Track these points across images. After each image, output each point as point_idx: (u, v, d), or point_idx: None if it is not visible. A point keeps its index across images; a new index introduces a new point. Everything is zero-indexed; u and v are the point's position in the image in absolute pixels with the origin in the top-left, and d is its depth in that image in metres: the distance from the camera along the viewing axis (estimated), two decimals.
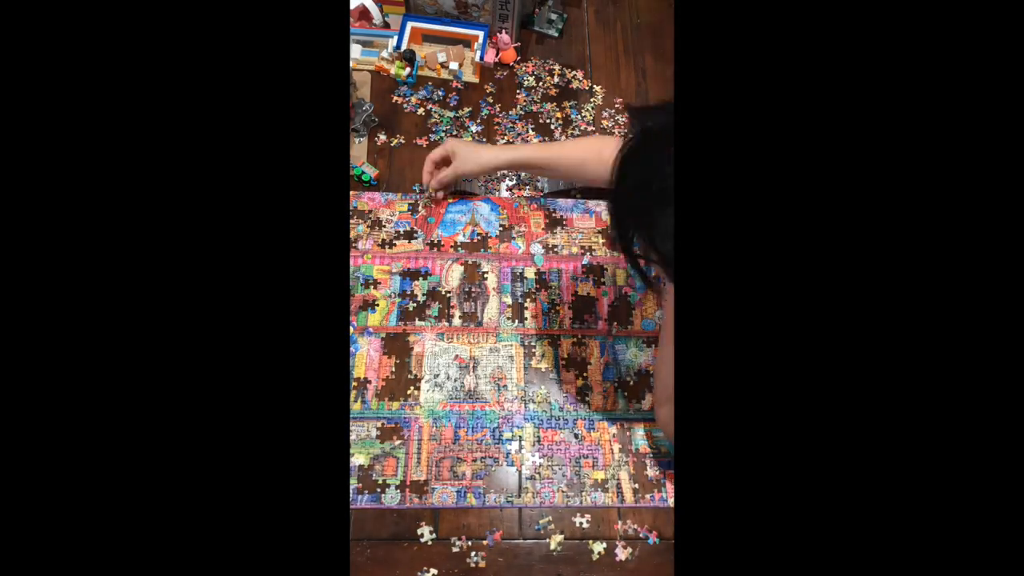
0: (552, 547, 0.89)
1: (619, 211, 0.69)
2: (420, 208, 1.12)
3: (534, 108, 1.24)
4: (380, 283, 1.06)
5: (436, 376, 1.00)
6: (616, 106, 1.27)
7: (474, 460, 0.94)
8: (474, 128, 1.21)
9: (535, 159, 1.08)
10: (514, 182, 1.17)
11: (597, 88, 1.28)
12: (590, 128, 1.24)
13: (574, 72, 1.30)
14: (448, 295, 1.06)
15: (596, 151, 1.03)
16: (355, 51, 1.26)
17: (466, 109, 1.23)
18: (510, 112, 1.24)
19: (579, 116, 1.24)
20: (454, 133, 1.20)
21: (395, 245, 1.09)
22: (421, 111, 1.22)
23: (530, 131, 1.22)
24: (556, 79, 1.29)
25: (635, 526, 0.91)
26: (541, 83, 1.28)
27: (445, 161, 1.08)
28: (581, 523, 0.91)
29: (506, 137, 1.21)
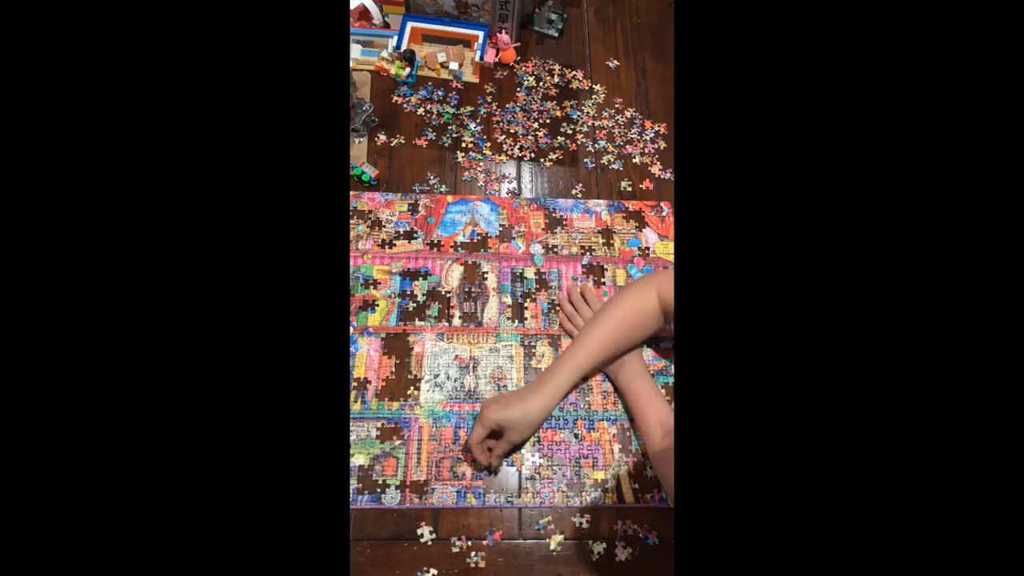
0: (552, 547, 0.89)
1: None
2: (420, 208, 1.12)
3: (534, 107, 1.24)
4: (380, 283, 1.06)
5: (436, 376, 1.00)
6: (616, 106, 1.27)
7: (474, 460, 0.94)
8: (473, 127, 1.21)
9: (577, 375, 0.95)
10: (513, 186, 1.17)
11: (597, 87, 1.28)
12: (592, 122, 1.24)
13: (574, 72, 1.30)
14: (448, 295, 1.06)
15: (636, 322, 0.95)
16: (355, 51, 1.26)
17: (466, 108, 1.23)
18: (508, 106, 1.24)
19: (579, 115, 1.25)
20: (456, 135, 1.20)
21: (395, 245, 1.09)
22: (421, 111, 1.22)
23: (536, 125, 1.22)
24: (556, 79, 1.29)
25: (635, 526, 0.91)
26: (541, 83, 1.28)
27: (493, 434, 0.91)
28: (581, 523, 0.91)
29: (508, 131, 1.21)
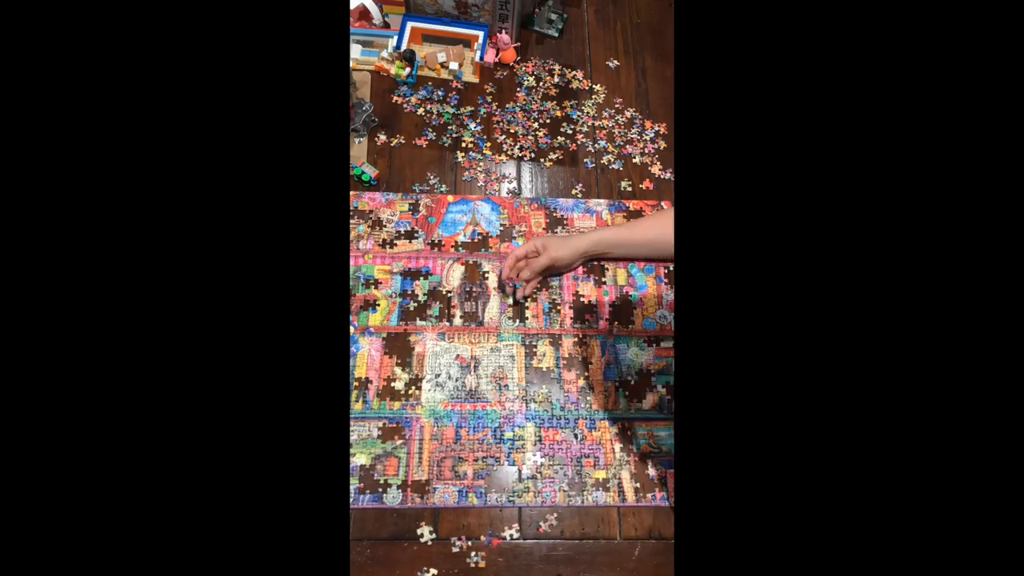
0: (552, 547, 0.89)
1: None
2: (421, 208, 1.12)
3: (534, 107, 1.24)
4: (381, 283, 1.06)
5: (437, 376, 1.00)
6: (616, 105, 1.27)
7: (475, 460, 0.94)
8: (473, 126, 1.21)
9: (616, 241, 1.07)
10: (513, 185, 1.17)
11: (597, 87, 1.28)
12: (592, 122, 1.24)
13: (574, 72, 1.30)
14: (449, 295, 1.06)
15: (667, 233, 1.06)
16: (355, 51, 1.26)
17: (466, 108, 1.24)
18: (508, 106, 1.24)
19: (579, 115, 1.25)
20: (456, 135, 1.20)
21: (396, 245, 1.09)
22: (421, 111, 1.22)
23: (536, 125, 1.22)
24: (556, 79, 1.29)
25: (636, 525, 0.91)
26: (541, 83, 1.28)
27: (533, 253, 1.03)
28: (582, 523, 0.91)
29: (508, 131, 1.21)
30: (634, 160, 1.21)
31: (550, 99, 1.26)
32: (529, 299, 1.06)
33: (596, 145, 1.22)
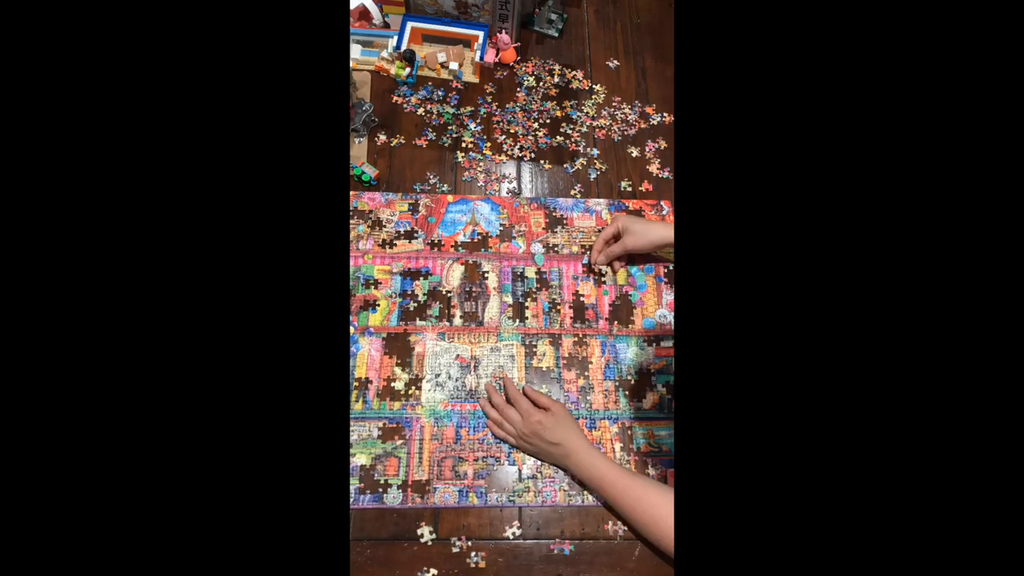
0: (552, 547, 0.89)
1: None
2: (421, 208, 1.12)
3: (534, 107, 1.24)
4: (381, 283, 1.06)
5: (437, 376, 1.00)
6: (615, 105, 1.27)
7: (476, 459, 0.94)
8: (473, 126, 1.21)
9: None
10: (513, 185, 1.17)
11: (597, 87, 1.28)
12: (592, 122, 1.24)
13: (574, 72, 1.30)
14: (449, 295, 1.06)
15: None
16: (355, 51, 1.26)
17: (467, 108, 1.24)
18: (508, 106, 1.24)
19: (579, 115, 1.25)
20: (456, 135, 1.20)
21: (395, 245, 1.09)
22: (421, 111, 1.22)
23: (536, 125, 1.22)
24: (556, 79, 1.29)
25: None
26: (541, 83, 1.28)
27: (615, 236, 1.06)
28: (582, 523, 0.91)
29: (508, 131, 1.21)
30: (631, 152, 1.21)
31: (550, 99, 1.26)
32: (612, 273, 1.10)
33: (588, 150, 1.22)
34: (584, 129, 1.23)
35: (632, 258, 1.10)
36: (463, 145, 1.20)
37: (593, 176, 1.19)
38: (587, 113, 1.25)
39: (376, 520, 0.90)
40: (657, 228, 1.05)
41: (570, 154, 1.21)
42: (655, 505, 0.85)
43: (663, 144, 1.23)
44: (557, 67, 1.30)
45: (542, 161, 1.19)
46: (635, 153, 1.22)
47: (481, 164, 1.18)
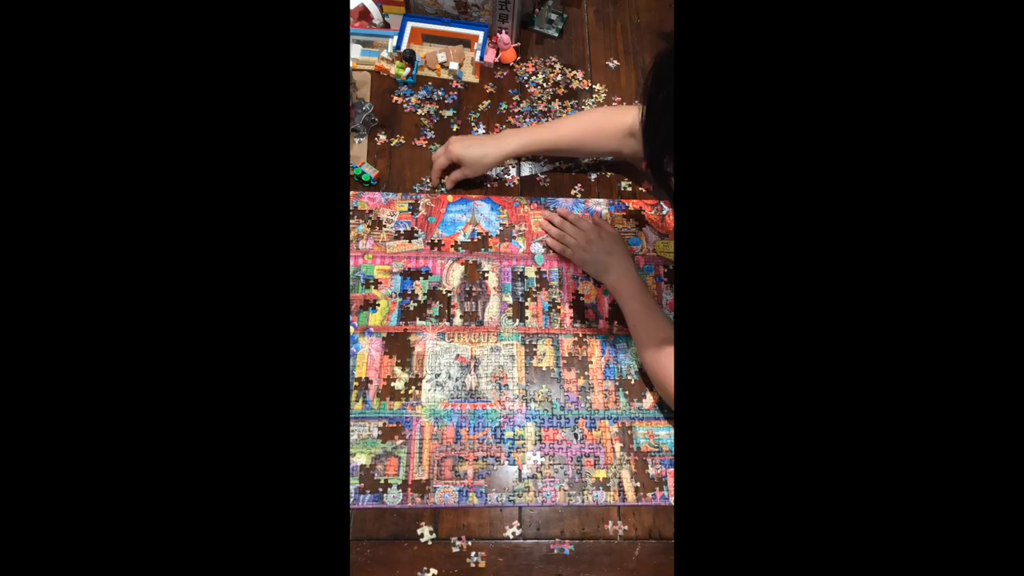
0: (552, 547, 0.89)
1: (650, 130, 0.69)
2: (421, 208, 1.12)
3: (541, 107, 1.24)
4: (381, 283, 1.06)
5: (437, 376, 1.00)
6: (615, 104, 1.27)
7: (476, 459, 0.94)
8: (480, 130, 1.21)
9: (537, 143, 1.11)
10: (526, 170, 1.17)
11: (597, 87, 1.28)
12: None
13: (574, 72, 1.30)
14: (449, 295, 1.06)
15: (596, 126, 1.10)
16: (355, 51, 1.26)
17: (473, 114, 1.23)
18: (521, 104, 1.24)
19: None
20: (454, 128, 1.20)
21: (396, 245, 1.09)
22: (421, 112, 1.22)
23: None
24: (558, 77, 1.29)
25: (636, 526, 0.91)
26: (547, 83, 1.28)
27: (452, 166, 1.11)
28: (581, 523, 0.91)
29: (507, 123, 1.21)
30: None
31: (558, 97, 1.26)
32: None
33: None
34: None
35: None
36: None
37: (593, 177, 1.19)
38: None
39: (376, 520, 0.90)
40: (491, 152, 1.09)
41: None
42: (659, 347, 0.94)
43: None
44: (558, 66, 1.30)
45: (542, 160, 1.19)
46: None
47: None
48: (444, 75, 1.26)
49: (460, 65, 1.26)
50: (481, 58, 1.28)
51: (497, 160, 1.10)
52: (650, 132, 0.69)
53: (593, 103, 1.26)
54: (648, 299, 1.00)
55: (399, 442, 0.95)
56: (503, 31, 1.27)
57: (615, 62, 1.33)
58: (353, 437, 0.95)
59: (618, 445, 0.96)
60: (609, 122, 1.09)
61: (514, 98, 1.25)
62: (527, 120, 1.23)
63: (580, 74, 1.30)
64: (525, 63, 1.30)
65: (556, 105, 1.25)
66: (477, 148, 1.09)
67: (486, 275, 1.08)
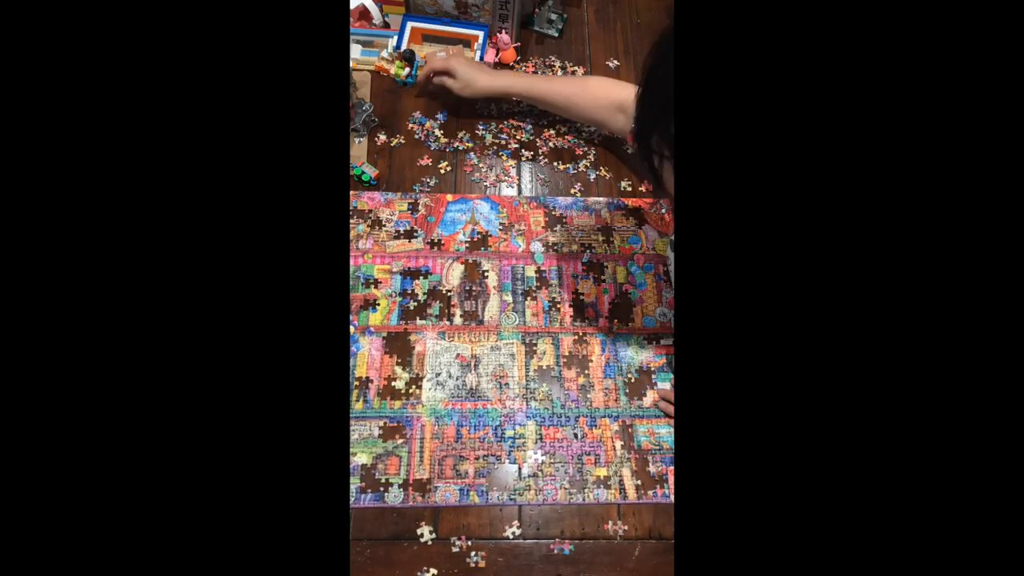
0: (552, 547, 0.89)
1: (643, 108, 0.69)
2: (420, 207, 1.13)
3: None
4: (381, 282, 1.06)
5: (438, 375, 1.00)
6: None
7: (476, 458, 0.94)
8: (490, 138, 1.21)
9: (526, 91, 1.16)
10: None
11: None
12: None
13: (574, 70, 1.30)
14: (449, 294, 1.06)
15: (589, 93, 1.11)
16: (355, 51, 1.26)
17: (464, 134, 1.24)
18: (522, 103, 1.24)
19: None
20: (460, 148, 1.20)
21: (396, 244, 1.09)
22: (420, 133, 1.22)
23: (539, 124, 1.22)
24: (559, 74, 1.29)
25: (636, 525, 0.91)
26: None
27: (439, 72, 1.17)
28: (581, 523, 0.91)
29: (514, 127, 1.21)
30: (626, 147, 1.21)
31: None
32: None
33: (589, 152, 1.22)
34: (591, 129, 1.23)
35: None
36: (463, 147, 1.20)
37: (593, 177, 1.19)
38: None
39: (376, 520, 0.90)
40: (483, 78, 1.14)
41: (572, 155, 1.21)
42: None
43: None
44: (558, 63, 1.30)
45: (543, 160, 1.19)
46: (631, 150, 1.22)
47: (481, 163, 1.18)
48: None
49: None
50: (481, 58, 1.28)
51: (488, 88, 1.14)
52: (644, 103, 0.69)
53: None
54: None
55: (400, 441, 0.95)
56: (503, 31, 1.27)
57: (615, 62, 1.33)
58: (354, 436, 0.95)
59: (619, 443, 0.96)
60: (603, 91, 1.10)
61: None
62: (527, 120, 1.23)
63: (580, 72, 1.30)
64: (525, 63, 1.30)
65: None
66: (474, 69, 1.15)
67: (486, 274, 1.08)
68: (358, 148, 1.17)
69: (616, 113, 1.07)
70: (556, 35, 1.35)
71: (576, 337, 1.04)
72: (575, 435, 0.97)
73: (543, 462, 0.95)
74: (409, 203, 1.13)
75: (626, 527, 0.91)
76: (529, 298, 1.06)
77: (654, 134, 0.67)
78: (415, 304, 1.05)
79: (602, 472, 0.94)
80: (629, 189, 1.18)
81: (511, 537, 0.90)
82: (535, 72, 1.29)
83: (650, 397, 1.00)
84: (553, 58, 1.31)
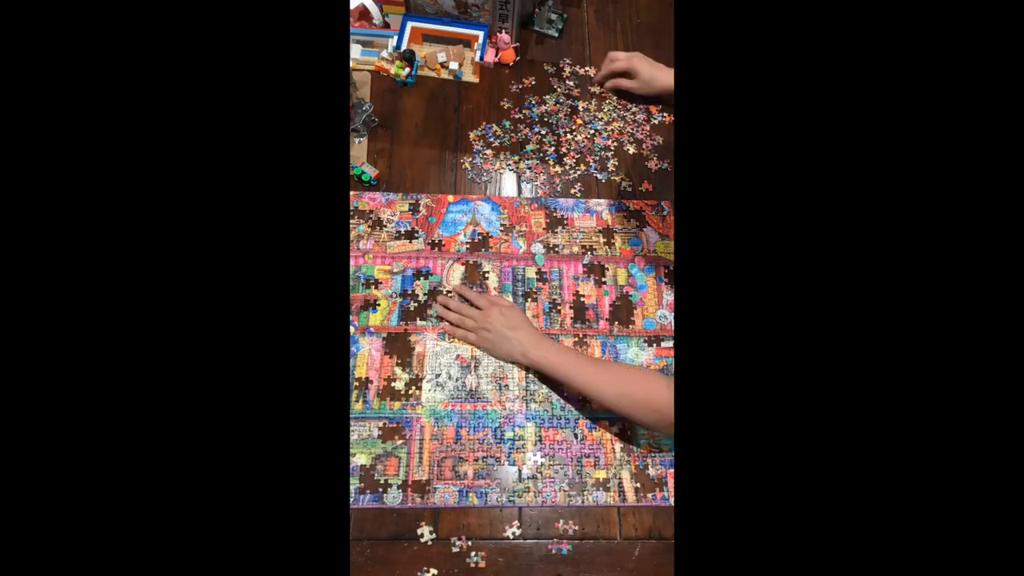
0: (552, 547, 0.89)
1: None
2: (421, 208, 1.12)
3: (552, 108, 1.24)
4: (381, 283, 1.06)
5: (438, 376, 1.00)
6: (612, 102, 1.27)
7: (476, 460, 0.94)
8: (500, 139, 1.21)
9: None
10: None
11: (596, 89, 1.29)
12: (606, 126, 1.24)
13: (586, 71, 1.30)
14: (450, 295, 1.06)
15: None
16: (355, 51, 1.26)
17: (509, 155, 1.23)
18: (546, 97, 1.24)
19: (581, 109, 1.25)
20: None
21: (396, 245, 1.09)
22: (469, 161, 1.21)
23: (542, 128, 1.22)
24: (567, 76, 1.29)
25: (636, 525, 0.91)
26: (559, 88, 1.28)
27: (626, 73, 1.23)
28: (582, 523, 0.91)
29: (523, 132, 1.21)
30: (627, 150, 1.20)
31: (572, 98, 1.26)
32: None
33: (596, 148, 1.22)
34: (600, 131, 1.23)
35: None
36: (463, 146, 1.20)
37: (627, 187, 1.19)
38: (600, 119, 1.25)
39: (376, 520, 0.90)
40: (661, 77, 1.21)
41: (574, 156, 1.21)
42: (624, 383, 0.89)
43: (660, 139, 1.23)
44: (567, 62, 1.30)
45: (548, 161, 1.19)
46: (631, 150, 1.22)
47: (481, 164, 1.18)
48: (444, 75, 1.26)
49: (460, 65, 1.26)
50: (481, 58, 1.28)
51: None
52: None
53: (610, 106, 1.26)
54: (575, 355, 0.94)
55: (399, 442, 0.95)
56: (503, 31, 1.27)
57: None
58: (353, 437, 0.95)
59: (618, 446, 0.96)
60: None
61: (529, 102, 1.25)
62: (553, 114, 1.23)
63: (592, 71, 1.30)
64: (532, 82, 1.30)
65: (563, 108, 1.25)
66: (658, 70, 1.21)
67: (486, 275, 1.08)
68: (358, 148, 1.17)
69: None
70: (556, 35, 1.35)
71: (576, 339, 1.04)
72: (575, 437, 0.96)
73: (542, 464, 0.94)
74: (410, 204, 1.13)
75: (626, 527, 0.91)
76: (530, 299, 1.06)
77: None
78: (415, 305, 1.04)
79: (601, 474, 0.94)
80: (629, 190, 1.18)
81: (511, 537, 0.90)
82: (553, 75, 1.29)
83: None
84: (567, 61, 1.31)
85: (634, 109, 1.27)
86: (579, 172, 1.19)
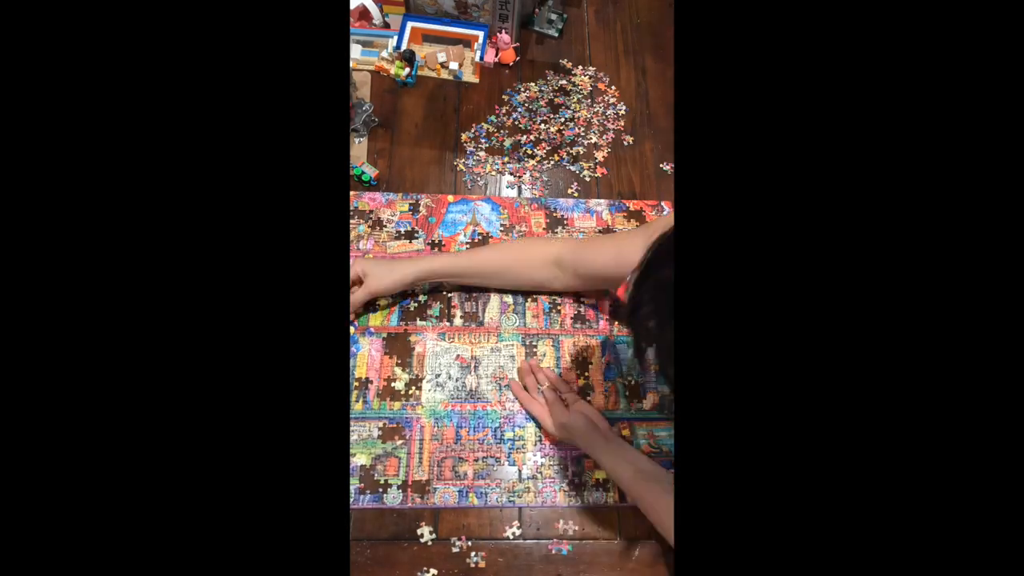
0: (552, 547, 0.89)
1: (637, 290, 0.66)
2: (421, 208, 1.12)
3: (543, 103, 1.24)
4: None
5: (437, 376, 1.00)
6: (613, 100, 1.27)
7: (476, 460, 0.94)
8: (509, 142, 1.21)
9: (450, 268, 1.02)
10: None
11: (599, 87, 1.29)
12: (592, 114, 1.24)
13: (590, 72, 1.30)
14: (449, 295, 1.06)
15: (519, 256, 1.01)
16: (355, 51, 1.26)
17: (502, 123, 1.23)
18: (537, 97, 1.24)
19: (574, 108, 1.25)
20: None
21: (396, 245, 1.09)
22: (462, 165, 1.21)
23: (542, 126, 1.22)
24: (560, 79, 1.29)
25: (636, 525, 0.91)
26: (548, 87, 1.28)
27: (357, 282, 1.00)
28: (582, 523, 0.91)
29: (516, 127, 1.21)
30: (591, 139, 1.21)
31: (564, 93, 1.26)
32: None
33: (587, 140, 1.22)
34: (593, 127, 1.23)
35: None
36: (462, 145, 1.20)
37: (588, 178, 1.19)
38: (583, 114, 1.25)
39: (376, 520, 0.90)
40: (398, 266, 0.99)
41: (573, 156, 1.21)
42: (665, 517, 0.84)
43: (660, 144, 1.23)
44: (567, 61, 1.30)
45: (545, 161, 1.19)
46: (631, 144, 1.22)
47: (481, 164, 1.18)
48: (444, 75, 1.26)
49: (460, 65, 1.26)
50: (481, 58, 1.28)
51: (404, 278, 0.98)
52: (639, 286, 0.66)
53: (582, 100, 1.26)
54: (639, 476, 0.88)
55: (399, 442, 0.95)
56: (503, 31, 1.27)
57: (615, 62, 1.33)
58: (353, 437, 0.95)
59: None
60: (533, 251, 1.01)
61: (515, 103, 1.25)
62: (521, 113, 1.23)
63: (593, 70, 1.30)
64: (528, 82, 1.30)
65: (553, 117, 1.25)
66: (384, 266, 0.99)
67: None
68: (358, 148, 1.17)
69: (554, 269, 0.99)
70: (556, 35, 1.35)
71: (576, 339, 1.04)
72: None
73: (542, 464, 0.94)
74: (410, 204, 1.13)
75: (626, 527, 0.91)
76: (529, 299, 1.06)
77: (645, 312, 0.66)
78: (415, 305, 1.04)
79: (601, 475, 0.94)
80: (630, 191, 1.18)
81: (511, 537, 0.90)
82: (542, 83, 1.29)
83: (650, 400, 1.00)
84: (567, 62, 1.31)
85: (607, 101, 1.27)
86: (552, 163, 1.19)
